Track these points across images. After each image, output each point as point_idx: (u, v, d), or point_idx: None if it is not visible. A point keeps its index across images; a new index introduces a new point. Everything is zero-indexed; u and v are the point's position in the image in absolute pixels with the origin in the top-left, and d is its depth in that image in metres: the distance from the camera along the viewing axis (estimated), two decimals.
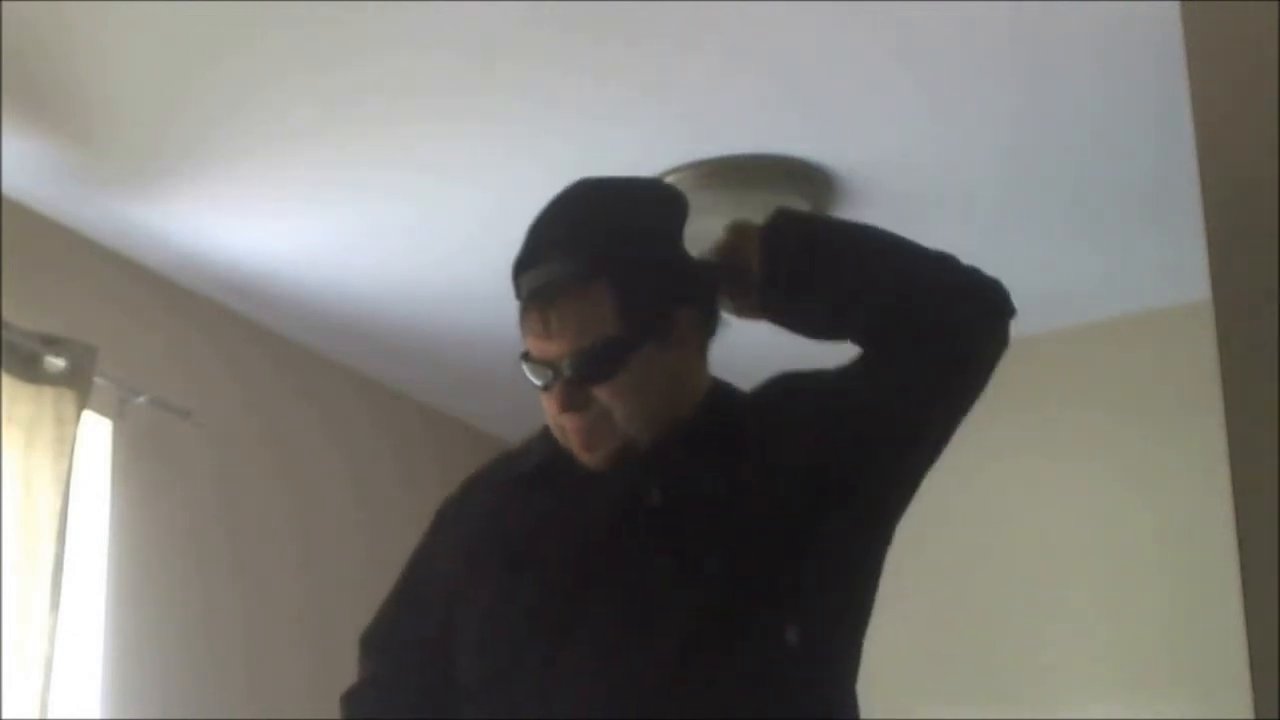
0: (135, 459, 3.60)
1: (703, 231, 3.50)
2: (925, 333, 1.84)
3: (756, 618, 1.74)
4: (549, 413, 1.85)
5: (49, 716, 3.14)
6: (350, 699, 1.96)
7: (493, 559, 1.86)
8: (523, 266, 1.84)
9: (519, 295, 1.84)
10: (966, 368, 1.87)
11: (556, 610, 1.78)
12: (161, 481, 3.68)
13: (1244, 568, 1.65)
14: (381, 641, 1.97)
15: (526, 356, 1.84)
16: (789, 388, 1.91)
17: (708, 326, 1.94)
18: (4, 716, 3.03)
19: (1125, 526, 4.10)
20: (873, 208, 3.60)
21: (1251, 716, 1.62)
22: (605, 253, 1.82)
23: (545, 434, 1.92)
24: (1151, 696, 3.93)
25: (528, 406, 1.98)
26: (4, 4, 2.77)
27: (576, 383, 1.79)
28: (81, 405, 3.33)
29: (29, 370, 3.27)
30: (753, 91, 3.17)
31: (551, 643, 1.77)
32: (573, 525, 1.84)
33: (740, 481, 1.80)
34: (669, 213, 1.93)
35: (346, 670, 2.02)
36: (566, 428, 1.83)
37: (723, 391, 1.95)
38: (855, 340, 1.89)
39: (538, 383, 1.83)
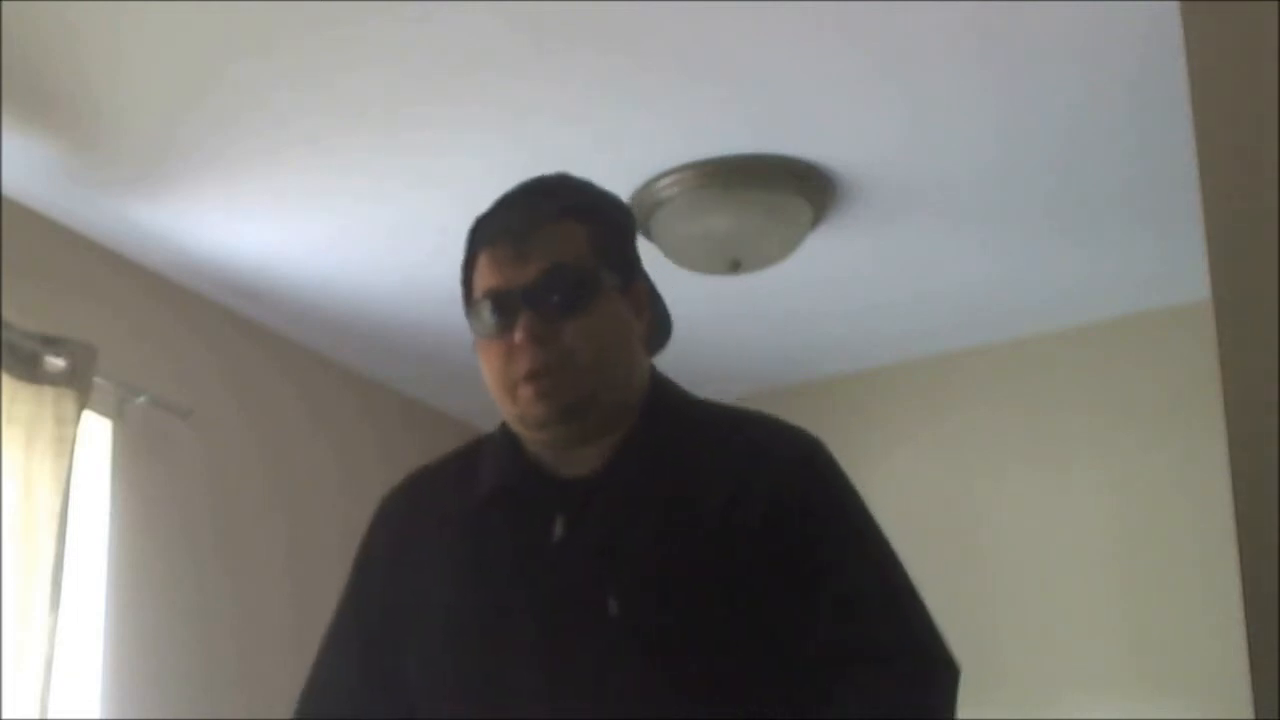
0: (135, 459, 3.60)
1: (703, 231, 3.53)
2: None
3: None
4: (497, 366, 1.74)
5: (49, 716, 3.14)
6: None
7: (434, 614, 1.78)
8: (488, 218, 1.81)
9: (481, 242, 1.78)
10: None
11: (497, 656, 1.72)
12: (161, 481, 3.68)
13: (1244, 568, 1.65)
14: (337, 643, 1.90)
15: (480, 299, 1.75)
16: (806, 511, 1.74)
17: (655, 320, 1.86)
18: (4, 716, 3.04)
19: (1124, 526, 4.11)
20: (870, 209, 3.60)
21: (1251, 717, 1.62)
22: (578, 204, 1.82)
23: (493, 455, 1.83)
24: (1151, 696, 3.93)
25: None
26: (6, 4, 2.77)
27: (545, 313, 1.72)
28: (81, 405, 3.33)
29: (29, 370, 3.27)
30: (750, 94, 3.17)
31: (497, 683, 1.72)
32: (519, 599, 1.73)
33: (697, 548, 1.70)
34: (628, 209, 1.91)
35: None
36: (521, 372, 1.72)
37: (670, 401, 1.84)
38: None
39: (492, 325, 1.73)
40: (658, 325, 1.87)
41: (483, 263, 1.77)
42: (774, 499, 1.72)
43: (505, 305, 1.73)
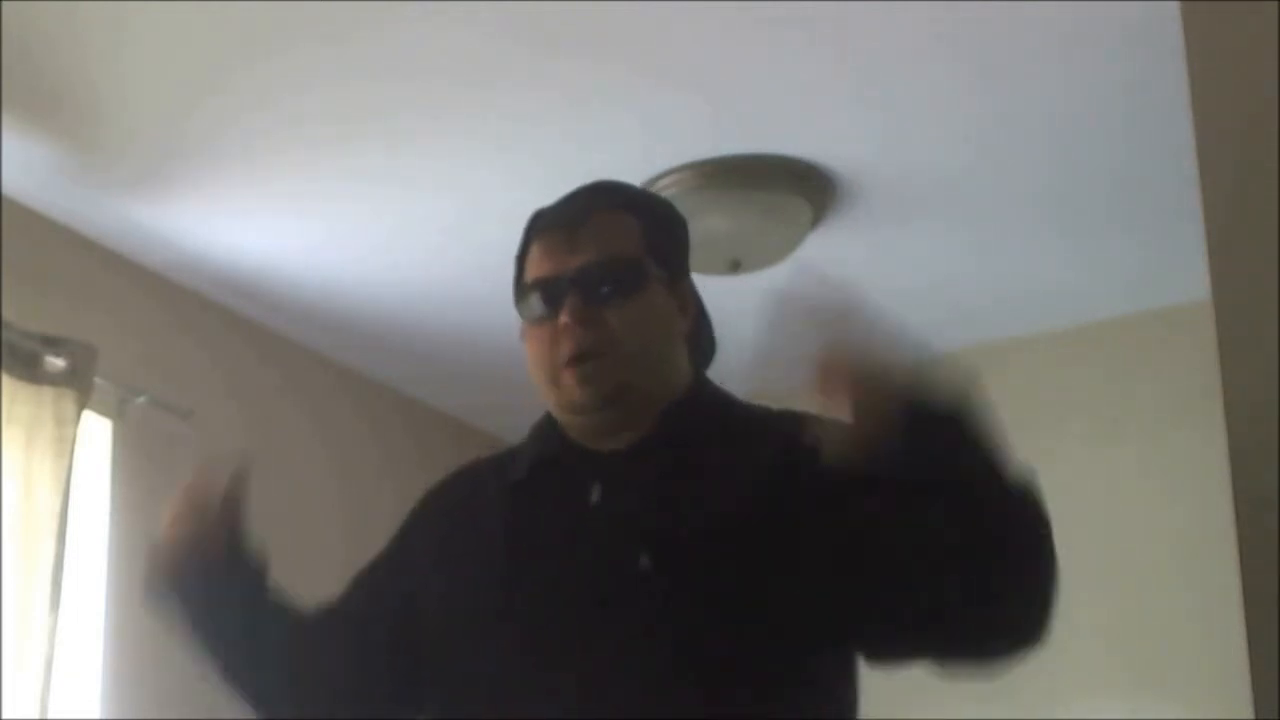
0: (135, 459, 3.60)
1: (703, 231, 3.53)
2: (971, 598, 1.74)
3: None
4: (542, 350, 1.77)
5: (49, 716, 3.14)
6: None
7: (471, 572, 1.80)
8: (545, 210, 1.85)
9: (535, 233, 1.82)
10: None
11: (533, 639, 1.72)
12: (161, 481, 3.67)
13: (1244, 568, 1.65)
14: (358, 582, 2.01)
15: (530, 286, 1.78)
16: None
17: (701, 332, 1.92)
18: (4, 717, 3.03)
19: (1122, 526, 4.10)
20: (870, 209, 3.60)
21: (1251, 716, 1.62)
22: (632, 199, 1.89)
23: (535, 435, 1.86)
24: (1151, 696, 3.93)
25: (514, 402, 1.97)
26: (6, 4, 2.77)
27: (591, 299, 1.75)
28: (81, 405, 3.33)
29: (29, 370, 3.27)
30: (749, 95, 3.18)
31: (527, 671, 1.71)
32: (555, 560, 1.75)
33: (737, 532, 1.70)
34: (683, 220, 1.94)
35: None
36: (566, 354, 1.75)
37: (710, 388, 1.89)
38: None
39: (540, 310, 1.77)
40: (704, 338, 1.92)
41: (534, 252, 1.81)
42: (810, 458, 1.68)
43: (553, 291, 1.76)
